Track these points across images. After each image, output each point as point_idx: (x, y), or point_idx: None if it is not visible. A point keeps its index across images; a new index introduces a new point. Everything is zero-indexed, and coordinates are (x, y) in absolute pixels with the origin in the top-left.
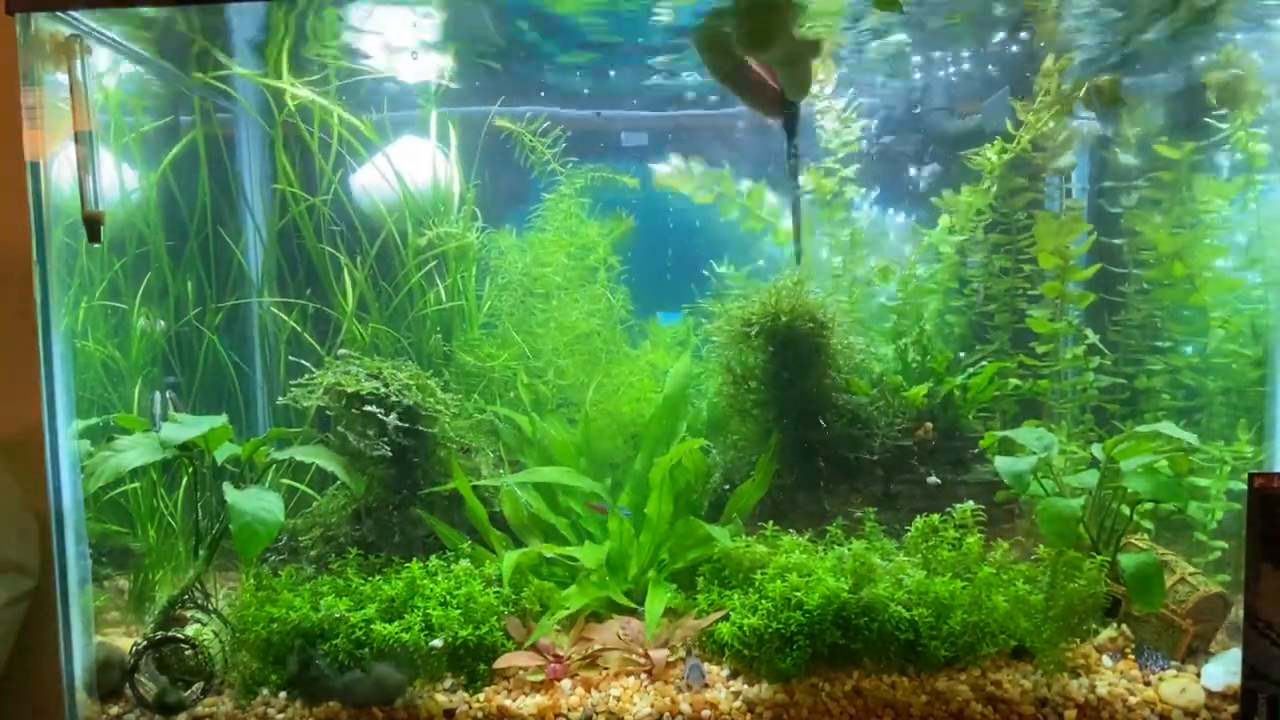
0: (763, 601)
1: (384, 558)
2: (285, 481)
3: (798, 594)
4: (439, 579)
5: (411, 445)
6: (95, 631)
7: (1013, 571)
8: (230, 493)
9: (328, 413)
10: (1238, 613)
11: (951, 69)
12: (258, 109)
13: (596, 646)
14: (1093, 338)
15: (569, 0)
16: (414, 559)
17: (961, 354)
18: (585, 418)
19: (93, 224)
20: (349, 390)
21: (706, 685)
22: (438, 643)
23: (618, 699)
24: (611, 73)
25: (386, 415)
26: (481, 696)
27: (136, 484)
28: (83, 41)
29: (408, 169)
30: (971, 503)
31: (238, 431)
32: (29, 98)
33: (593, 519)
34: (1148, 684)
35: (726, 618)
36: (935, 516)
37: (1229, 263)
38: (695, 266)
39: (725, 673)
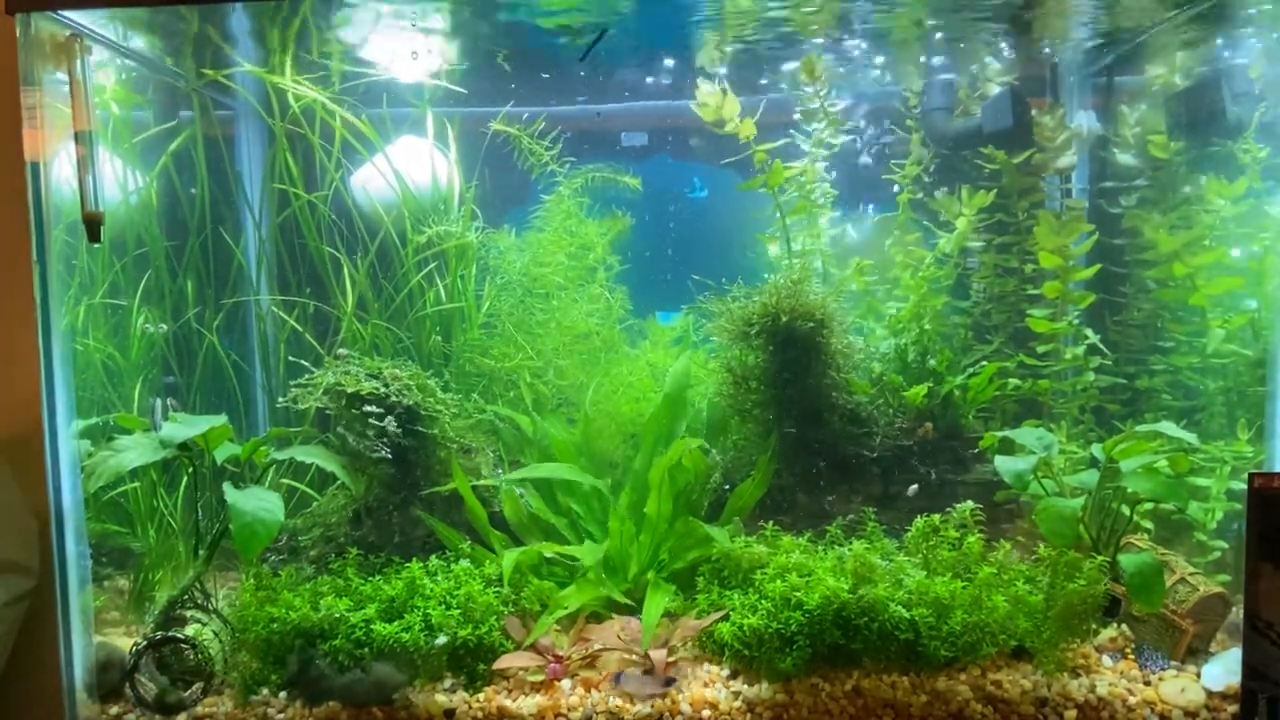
0: (763, 601)
1: (384, 558)
2: (285, 481)
3: (797, 594)
4: (439, 579)
5: (411, 445)
6: (95, 631)
7: (1013, 571)
8: (230, 493)
9: (327, 413)
10: (1238, 613)
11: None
12: (260, 105)
13: (596, 646)
14: (1093, 338)
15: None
16: (414, 559)
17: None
18: (585, 417)
19: (93, 224)
20: (349, 390)
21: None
22: (441, 640)
23: (617, 699)
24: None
25: (386, 415)
26: (481, 696)
27: (136, 484)
28: (83, 41)
29: (407, 168)
30: (972, 502)
31: (237, 431)
32: (29, 98)
33: (592, 518)
34: (1148, 684)
35: (726, 618)
36: (936, 517)
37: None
38: (694, 266)
39: (725, 673)
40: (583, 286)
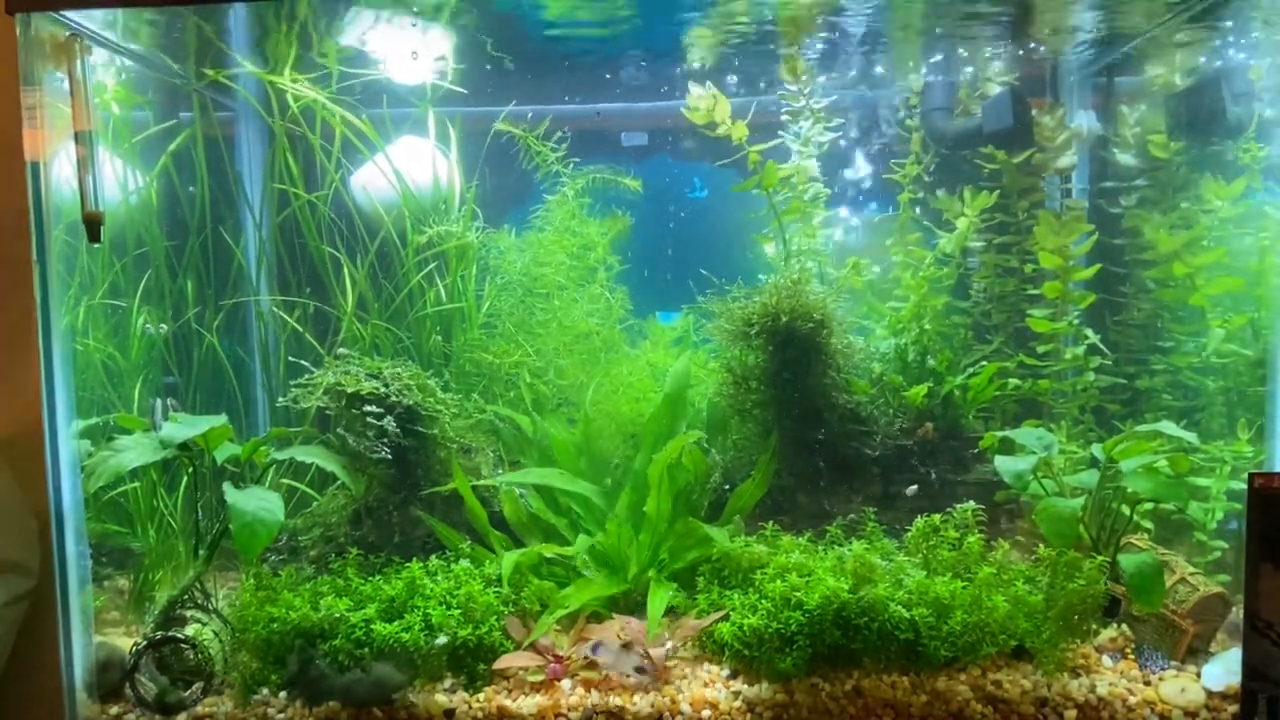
0: (763, 601)
1: (384, 558)
2: (285, 481)
3: (797, 594)
4: (439, 579)
5: (411, 445)
6: (95, 631)
7: (1013, 571)
8: (230, 493)
9: (327, 413)
10: (1238, 613)
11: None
12: (260, 105)
13: None
14: (1093, 338)
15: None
16: (414, 559)
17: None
18: (585, 417)
19: (93, 224)
20: (349, 390)
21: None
22: (441, 640)
23: (618, 699)
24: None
25: (386, 415)
26: (481, 696)
27: (136, 484)
28: (82, 41)
29: (408, 168)
30: (973, 502)
31: (237, 431)
32: (29, 98)
33: (592, 519)
34: (1148, 684)
35: (726, 618)
36: (936, 516)
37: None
38: (694, 265)
39: (725, 673)
40: (583, 286)
